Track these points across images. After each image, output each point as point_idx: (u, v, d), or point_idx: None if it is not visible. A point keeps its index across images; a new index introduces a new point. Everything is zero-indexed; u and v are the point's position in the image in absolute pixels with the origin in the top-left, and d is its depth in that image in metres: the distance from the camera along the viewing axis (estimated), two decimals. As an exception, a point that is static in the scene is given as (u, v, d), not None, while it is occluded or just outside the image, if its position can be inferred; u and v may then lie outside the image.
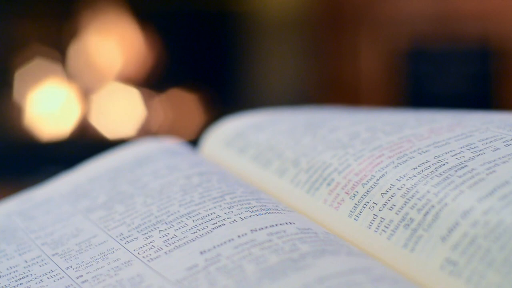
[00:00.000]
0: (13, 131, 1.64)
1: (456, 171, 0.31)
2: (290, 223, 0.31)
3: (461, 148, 0.33)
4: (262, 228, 0.31)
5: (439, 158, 0.33)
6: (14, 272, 0.33)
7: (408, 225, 0.30)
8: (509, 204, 0.28)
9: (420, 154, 0.34)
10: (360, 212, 0.32)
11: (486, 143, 0.33)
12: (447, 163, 0.32)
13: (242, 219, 0.32)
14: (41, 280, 0.32)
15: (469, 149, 0.33)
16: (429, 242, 0.29)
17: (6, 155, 1.61)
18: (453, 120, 0.37)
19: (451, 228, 0.29)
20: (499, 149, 0.32)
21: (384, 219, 0.31)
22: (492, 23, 1.62)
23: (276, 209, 0.33)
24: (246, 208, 0.33)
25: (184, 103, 1.71)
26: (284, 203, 0.35)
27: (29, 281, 0.32)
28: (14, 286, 0.32)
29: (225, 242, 0.30)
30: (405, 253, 0.29)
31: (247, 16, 1.71)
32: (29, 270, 0.33)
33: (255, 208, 0.33)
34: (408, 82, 1.69)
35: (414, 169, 0.33)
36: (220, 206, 0.33)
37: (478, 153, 0.32)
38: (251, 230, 0.31)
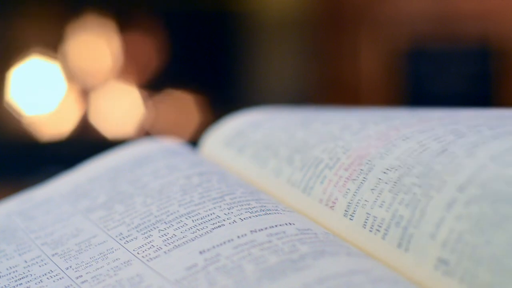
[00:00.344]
0: (13, 131, 1.64)
1: (437, 157, 0.31)
2: (290, 224, 0.31)
3: (445, 132, 0.32)
4: (261, 229, 0.31)
5: (422, 143, 0.32)
6: (13, 272, 0.33)
7: (398, 222, 0.29)
8: (487, 193, 0.27)
9: (404, 140, 0.33)
10: (354, 211, 0.32)
11: (471, 127, 0.32)
12: (429, 148, 0.31)
13: (242, 219, 0.32)
14: (40, 281, 0.32)
15: (453, 133, 0.32)
16: (420, 240, 0.28)
17: (6, 155, 1.61)
18: (445, 113, 0.36)
19: (438, 223, 0.28)
20: (482, 132, 0.31)
21: (376, 217, 0.31)
22: (492, 23, 1.62)
23: (276, 210, 0.33)
24: (246, 208, 0.33)
25: (184, 103, 1.71)
26: (284, 204, 0.35)
27: (28, 281, 0.32)
28: (14, 286, 0.32)
29: (224, 243, 0.30)
30: (400, 253, 0.29)
31: (247, 16, 1.71)
32: (28, 270, 0.33)
33: (255, 209, 0.33)
34: (408, 82, 1.69)
35: (397, 158, 0.32)
36: (220, 206, 0.33)
37: (460, 136, 0.31)
38: (251, 231, 0.31)
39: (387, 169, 0.32)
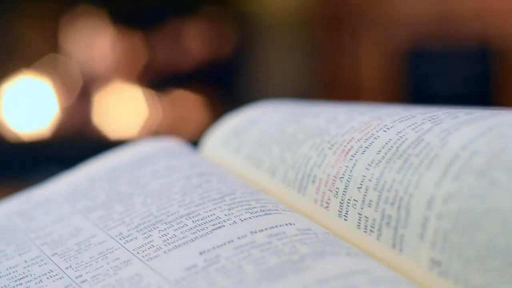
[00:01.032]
0: (13, 131, 1.64)
1: (413, 148, 0.30)
2: (290, 224, 0.31)
3: (423, 120, 0.32)
4: (262, 230, 0.31)
5: (401, 134, 0.31)
6: (13, 272, 0.33)
7: (388, 223, 0.29)
8: (461, 188, 0.27)
9: (385, 131, 0.32)
10: (347, 211, 0.31)
11: (449, 114, 0.32)
12: (407, 139, 0.31)
13: (242, 220, 0.32)
14: (40, 280, 0.32)
15: (430, 120, 0.31)
16: (411, 241, 0.28)
17: (6, 155, 1.61)
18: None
19: (423, 223, 0.27)
20: (458, 117, 0.31)
21: (368, 218, 0.30)
22: (492, 23, 1.62)
23: (276, 210, 0.33)
24: (246, 209, 0.33)
25: (185, 102, 1.71)
26: (284, 204, 0.35)
27: (28, 281, 0.32)
28: (14, 286, 0.32)
29: (224, 243, 0.30)
30: (395, 254, 0.28)
31: (248, 16, 1.71)
32: (28, 270, 0.33)
33: (255, 209, 0.33)
34: (408, 82, 1.69)
35: (378, 152, 0.31)
36: (220, 207, 0.33)
37: (437, 123, 0.31)
38: (251, 232, 0.31)
39: (369, 165, 0.31)
